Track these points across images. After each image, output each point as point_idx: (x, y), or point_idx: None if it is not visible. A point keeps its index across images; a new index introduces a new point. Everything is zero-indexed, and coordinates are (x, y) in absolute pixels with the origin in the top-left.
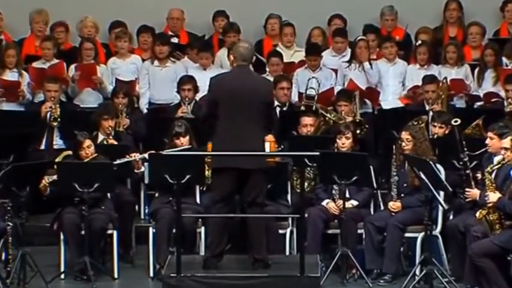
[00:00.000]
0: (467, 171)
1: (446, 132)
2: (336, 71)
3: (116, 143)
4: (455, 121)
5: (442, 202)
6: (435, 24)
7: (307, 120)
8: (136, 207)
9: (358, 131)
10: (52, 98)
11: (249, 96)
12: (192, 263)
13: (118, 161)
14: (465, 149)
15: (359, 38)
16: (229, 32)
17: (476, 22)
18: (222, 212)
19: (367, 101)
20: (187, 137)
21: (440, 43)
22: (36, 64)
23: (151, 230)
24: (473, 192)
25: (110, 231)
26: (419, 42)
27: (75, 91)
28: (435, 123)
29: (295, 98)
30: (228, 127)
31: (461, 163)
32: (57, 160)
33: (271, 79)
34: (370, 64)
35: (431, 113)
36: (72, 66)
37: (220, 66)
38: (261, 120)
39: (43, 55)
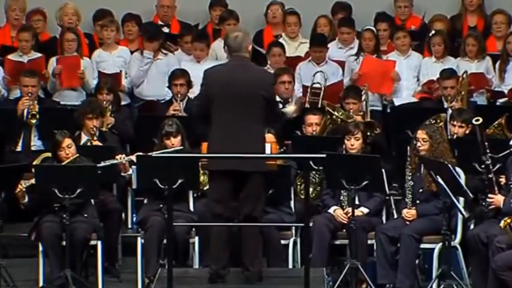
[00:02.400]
0: (490, 176)
1: (467, 132)
2: (343, 65)
3: (100, 144)
4: (477, 120)
5: (462, 210)
6: (453, 13)
7: (313, 118)
8: (123, 215)
9: (368, 133)
10: (29, 94)
11: (246, 90)
12: (185, 277)
13: (102, 163)
14: (488, 151)
15: (365, 28)
16: (228, 19)
17: (501, 10)
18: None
19: (377, 96)
20: (179, 137)
21: (459, 34)
22: (12, 56)
23: (139, 240)
24: (497, 199)
25: (93, 242)
26: (433, 32)
27: (55, 87)
28: (455, 122)
29: (298, 93)
30: (223, 126)
31: (483, 166)
32: (35, 163)
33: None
34: (380, 57)
35: (450, 111)
36: (53, 59)
37: (215, 59)
38: (261, 117)
39: (20, 47)
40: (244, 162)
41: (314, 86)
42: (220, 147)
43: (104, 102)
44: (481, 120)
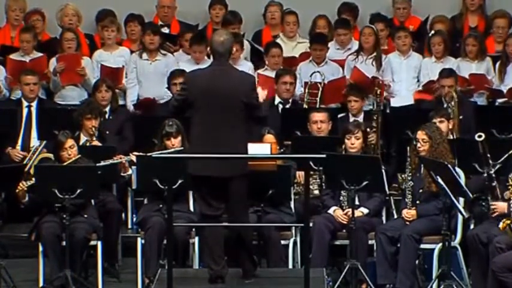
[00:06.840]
0: (493, 184)
1: (450, 127)
2: (342, 65)
3: (100, 144)
4: (479, 136)
5: (462, 210)
6: (454, 13)
7: (317, 116)
8: (123, 215)
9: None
10: (31, 90)
11: (226, 96)
12: (185, 277)
13: (102, 163)
14: (490, 162)
15: (365, 26)
16: (233, 23)
17: (503, 13)
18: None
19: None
20: (179, 138)
21: (460, 34)
22: (14, 56)
23: (139, 241)
24: (500, 206)
25: (93, 242)
26: (433, 32)
27: (57, 85)
28: (434, 120)
29: (298, 93)
30: (204, 131)
31: (485, 175)
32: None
33: (272, 73)
34: (380, 56)
35: (449, 110)
36: (53, 59)
37: None
38: (242, 121)
39: (21, 48)
40: (224, 167)
41: (311, 85)
42: (202, 152)
43: (102, 101)
44: (483, 136)
